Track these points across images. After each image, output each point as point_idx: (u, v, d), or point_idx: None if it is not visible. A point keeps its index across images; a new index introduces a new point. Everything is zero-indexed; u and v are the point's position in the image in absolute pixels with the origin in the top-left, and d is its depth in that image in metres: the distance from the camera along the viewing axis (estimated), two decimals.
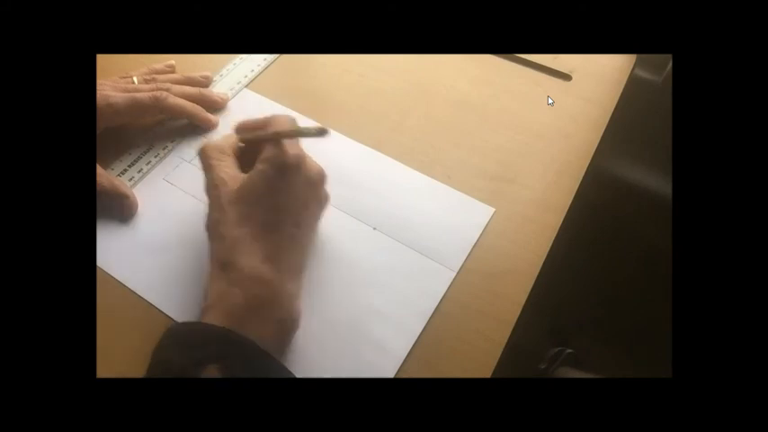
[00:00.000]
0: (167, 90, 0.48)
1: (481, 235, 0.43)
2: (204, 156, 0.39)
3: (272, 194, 0.36)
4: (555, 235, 0.43)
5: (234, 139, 0.41)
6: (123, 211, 0.44)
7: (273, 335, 0.35)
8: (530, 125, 0.51)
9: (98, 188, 0.42)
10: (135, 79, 0.49)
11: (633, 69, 0.56)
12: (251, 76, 0.54)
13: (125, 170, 0.47)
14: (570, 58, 0.56)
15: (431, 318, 0.39)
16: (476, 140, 0.50)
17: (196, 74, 0.52)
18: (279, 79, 0.55)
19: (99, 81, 0.47)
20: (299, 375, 0.35)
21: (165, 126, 0.50)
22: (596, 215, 0.64)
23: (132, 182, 0.46)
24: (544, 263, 0.42)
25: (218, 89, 0.53)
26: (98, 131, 0.46)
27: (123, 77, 0.49)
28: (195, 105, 0.49)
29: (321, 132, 0.35)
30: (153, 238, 0.43)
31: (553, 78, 0.55)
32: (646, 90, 0.61)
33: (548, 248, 0.43)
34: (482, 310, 0.40)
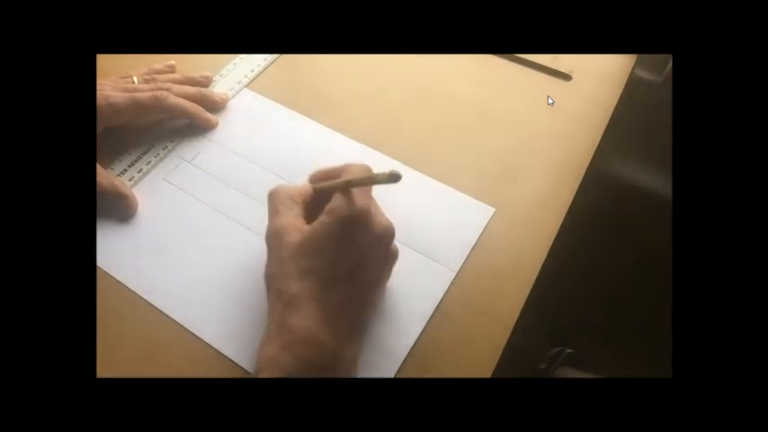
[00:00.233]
0: (167, 90, 0.48)
1: (481, 235, 0.43)
2: (273, 200, 0.37)
3: (333, 249, 0.34)
4: (555, 235, 0.43)
5: (307, 188, 0.39)
6: (123, 210, 0.44)
7: None
8: (530, 125, 0.51)
9: (98, 188, 0.42)
10: (135, 79, 0.49)
11: (633, 69, 0.56)
12: (251, 76, 0.54)
13: (125, 170, 0.47)
14: (570, 58, 0.56)
15: (431, 318, 0.39)
16: (476, 140, 0.50)
17: (196, 74, 0.52)
18: (279, 79, 0.55)
19: (99, 81, 0.47)
20: None
21: (165, 126, 0.50)
22: (596, 215, 0.65)
23: (132, 182, 0.46)
24: (544, 263, 0.42)
25: (218, 89, 0.53)
26: (98, 131, 0.46)
27: (123, 77, 0.49)
28: (195, 105, 0.49)
29: (394, 177, 0.32)
30: (153, 238, 0.43)
31: (553, 78, 0.55)
32: (646, 90, 0.61)
33: (548, 248, 0.43)
34: (482, 310, 0.40)
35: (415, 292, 0.40)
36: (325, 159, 0.40)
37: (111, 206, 0.43)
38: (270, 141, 0.49)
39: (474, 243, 0.43)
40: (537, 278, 0.41)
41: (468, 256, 0.42)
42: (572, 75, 0.55)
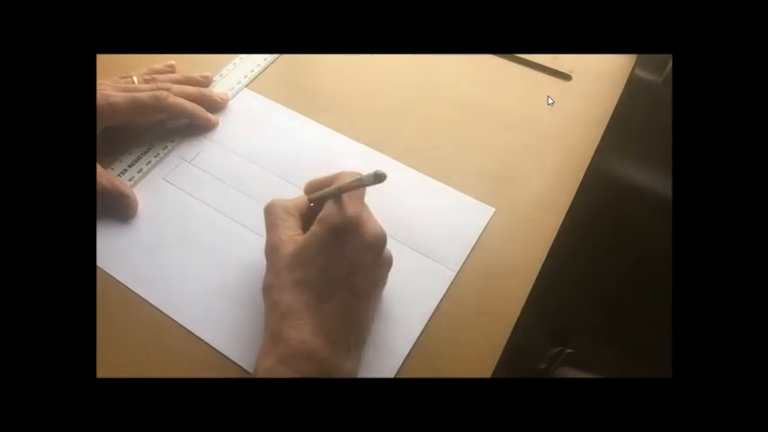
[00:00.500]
0: (167, 90, 0.48)
1: (481, 235, 0.43)
2: (269, 214, 0.38)
3: (325, 258, 0.34)
4: (555, 235, 0.43)
5: (303, 199, 0.39)
6: (123, 210, 0.44)
7: None
8: (530, 125, 0.51)
9: (98, 188, 0.42)
10: (135, 79, 0.49)
11: (633, 69, 0.56)
12: (251, 76, 0.54)
13: (125, 170, 0.47)
14: (570, 58, 0.56)
15: (431, 318, 0.39)
16: (476, 140, 0.50)
17: (196, 74, 0.52)
18: (279, 79, 0.55)
19: (99, 81, 0.47)
20: None
21: (165, 126, 0.50)
22: (596, 215, 0.64)
23: (132, 182, 0.46)
24: (544, 263, 0.42)
25: (218, 89, 0.53)
26: (98, 131, 0.46)
27: (123, 77, 0.49)
28: (195, 105, 0.49)
29: (379, 177, 0.32)
30: (153, 238, 0.43)
31: (553, 78, 0.55)
32: (646, 90, 0.61)
33: (548, 248, 0.43)
34: (482, 310, 0.40)
35: (415, 292, 0.40)
36: (325, 159, 0.40)
37: (112, 206, 0.43)
38: (270, 141, 0.49)
39: (474, 243, 0.43)
40: (537, 278, 0.41)
41: (468, 256, 0.42)
42: (572, 75, 0.55)
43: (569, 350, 0.76)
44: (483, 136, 0.50)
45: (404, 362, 0.37)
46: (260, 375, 0.33)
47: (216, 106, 0.51)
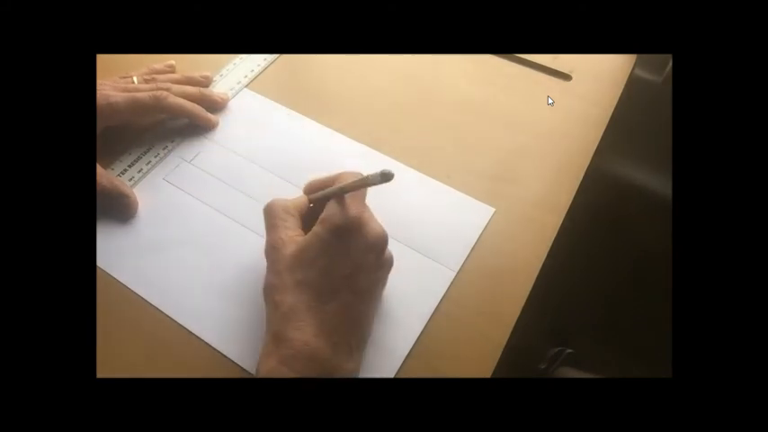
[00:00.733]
0: (167, 90, 0.48)
1: (481, 235, 0.43)
2: (268, 215, 0.37)
3: (326, 259, 0.34)
4: (555, 235, 0.43)
5: (303, 199, 0.39)
6: (123, 210, 0.44)
7: None
8: (530, 125, 0.51)
9: (98, 188, 0.42)
10: (135, 79, 0.49)
11: (633, 69, 0.56)
12: (251, 76, 0.54)
13: (125, 170, 0.47)
14: (570, 58, 0.56)
15: (431, 318, 0.39)
16: (476, 140, 0.50)
17: (196, 74, 0.52)
18: (279, 79, 0.55)
19: (99, 81, 0.47)
20: None
21: (165, 126, 0.50)
22: (596, 215, 0.64)
23: (132, 182, 0.46)
24: (544, 263, 0.42)
25: (218, 89, 0.53)
26: (98, 131, 0.46)
27: (123, 77, 0.49)
28: (195, 105, 0.49)
29: (386, 177, 0.31)
30: (153, 238, 0.43)
31: (553, 78, 0.55)
32: (646, 90, 0.61)
33: (548, 248, 0.43)
34: (482, 310, 0.40)
35: (415, 292, 0.40)
36: (324, 159, 0.40)
37: (112, 206, 0.43)
38: (270, 141, 0.49)
39: (474, 243, 0.43)
40: (537, 278, 0.41)
41: (468, 256, 0.42)
42: (572, 75, 0.55)
43: (569, 350, 0.76)
44: (483, 136, 0.50)
45: (404, 362, 0.37)
46: (262, 376, 0.33)
47: (216, 106, 0.51)
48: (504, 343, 0.38)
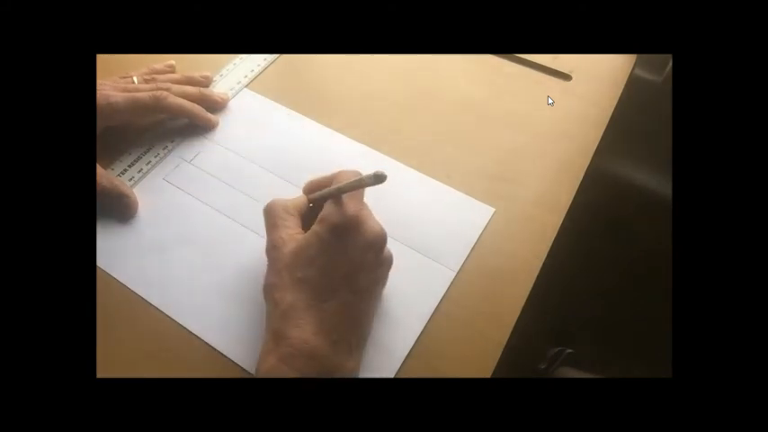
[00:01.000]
0: (167, 90, 0.48)
1: (481, 235, 0.43)
2: (269, 214, 0.38)
3: (325, 257, 0.34)
4: (555, 235, 0.43)
5: (303, 199, 0.39)
6: (123, 210, 0.44)
7: None
8: (530, 125, 0.51)
9: (98, 188, 0.42)
10: (135, 79, 0.49)
11: (633, 69, 0.56)
12: (251, 76, 0.54)
13: (125, 170, 0.47)
14: (570, 58, 0.56)
15: (431, 318, 0.39)
16: (476, 140, 0.50)
17: (196, 74, 0.52)
18: (279, 79, 0.55)
19: (99, 81, 0.47)
20: None
21: (165, 126, 0.50)
22: (596, 215, 0.64)
23: (132, 182, 0.46)
24: (544, 263, 0.42)
25: (218, 89, 0.53)
26: (98, 131, 0.46)
27: (123, 77, 0.49)
28: (195, 105, 0.49)
29: (379, 178, 0.32)
30: (153, 238, 0.43)
31: (553, 78, 0.55)
32: (646, 90, 0.61)
33: (548, 248, 0.43)
34: (482, 310, 0.40)
35: (414, 291, 0.40)
36: (324, 159, 0.40)
37: (112, 206, 0.43)
38: (270, 141, 0.49)
39: (474, 243, 0.43)
40: (537, 278, 0.41)
41: (468, 256, 0.42)
42: (572, 75, 0.55)
43: (569, 350, 0.76)
44: (483, 136, 0.50)
45: (404, 362, 0.37)
46: (262, 374, 0.33)
47: (216, 106, 0.51)
48: (504, 343, 0.38)
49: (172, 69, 0.53)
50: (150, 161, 0.47)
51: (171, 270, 0.41)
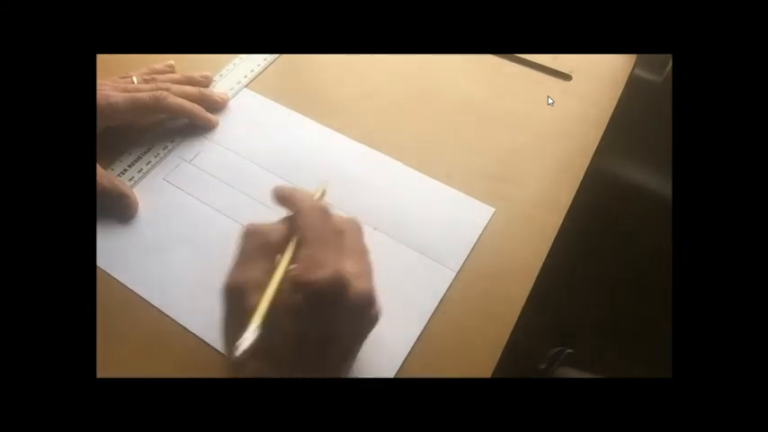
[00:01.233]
0: (167, 90, 0.48)
1: (481, 235, 0.43)
2: (246, 242, 0.32)
3: (296, 324, 0.29)
4: (555, 235, 0.43)
5: (284, 233, 0.33)
6: (124, 210, 0.44)
7: None
8: (530, 125, 0.51)
9: (99, 188, 0.42)
10: (135, 79, 0.49)
11: (633, 69, 0.56)
12: (251, 76, 0.54)
13: (125, 170, 0.47)
14: (570, 58, 0.56)
15: (431, 318, 0.39)
16: (476, 140, 0.50)
17: (196, 74, 0.52)
18: (279, 79, 0.55)
19: (99, 81, 0.47)
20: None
21: (165, 126, 0.50)
22: (596, 215, 0.64)
23: (132, 182, 0.46)
24: (544, 263, 0.42)
25: (218, 89, 0.53)
26: (98, 131, 0.46)
27: (123, 77, 0.49)
28: (195, 105, 0.49)
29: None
30: (153, 238, 0.43)
31: (553, 78, 0.55)
32: (646, 90, 0.61)
33: (548, 248, 0.43)
34: (482, 310, 0.40)
35: (415, 291, 0.40)
36: (324, 160, 0.40)
37: (112, 206, 0.43)
38: (270, 141, 0.49)
39: (474, 243, 0.43)
40: (537, 278, 0.41)
41: (468, 256, 0.42)
42: (572, 75, 0.55)
43: (569, 350, 0.76)
44: (483, 136, 0.50)
45: (404, 362, 0.37)
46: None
47: (216, 106, 0.51)
48: (504, 343, 0.38)
49: (172, 69, 0.53)
50: (150, 161, 0.47)
51: (171, 270, 0.41)
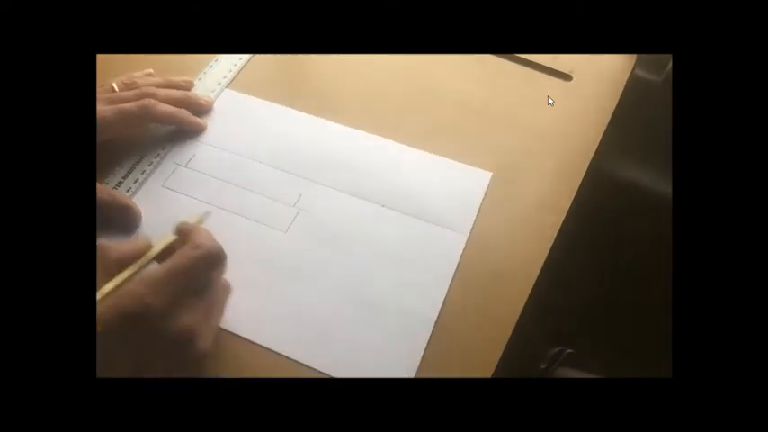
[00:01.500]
0: (153, 95, 0.46)
1: (484, 199, 0.45)
2: (99, 257, 0.33)
3: (110, 350, 0.30)
4: (555, 235, 0.43)
5: (136, 250, 0.34)
6: (128, 222, 0.43)
7: None
8: (530, 125, 0.51)
9: (99, 203, 0.41)
10: (115, 86, 0.47)
11: (633, 69, 0.56)
12: (230, 76, 0.53)
13: (120, 182, 0.45)
14: (570, 58, 0.56)
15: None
16: (476, 140, 0.49)
17: (178, 78, 0.51)
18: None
19: None
20: (334, 355, 0.36)
21: (153, 134, 0.48)
22: (596, 215, 0.64)
23: (130, 193, 0.45)
24: (544, 263, 0.42)
25: (199, 92, 0.52)
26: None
27: (101, 86, 0.47)
28: (183, 110, 0.48)
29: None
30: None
31: (553, 78, 0.55)
32: (646, 90, 0.61)
33: (548, 248, 0.43)
34: (482, 310, 0.40)
35: (430, 259, 0.42)
36: (318, 146, 0.41)
37: (114, 219, 0.42)
38: (263, 136, 0.49)
39: (479, 206, 0.44)
40: (537, 278, 0.41)
41: (468, 256, 0.42)
42: (572, 75, 0.55)
43: (569, 350, 0.76)
44: (483, 136, 0.50)
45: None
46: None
47: (201, 109, 0.50)
48: (505, 343, 0.38)
49: (151, 76, 0.51)
50: (145, 170, 0.46)
51: None
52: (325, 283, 0.40)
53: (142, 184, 0.46)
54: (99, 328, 0.29)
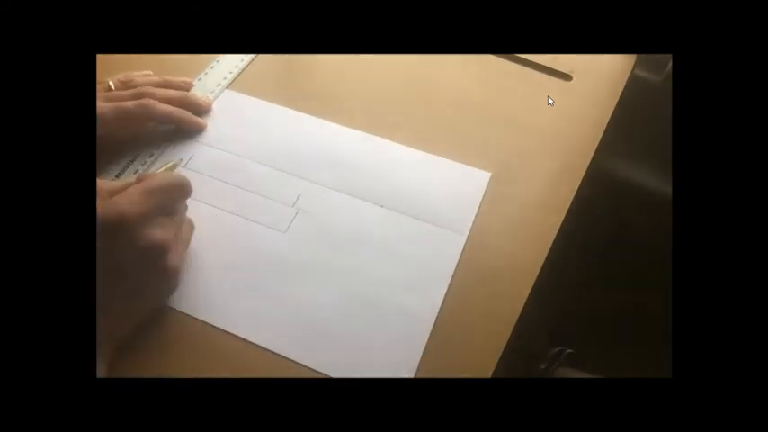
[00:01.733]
0: (151, 95, 0.46)
1: (482, 199, 0.45)
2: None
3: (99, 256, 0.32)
4: (555, 235, 0.43)
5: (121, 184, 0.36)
6: None
7: None
8: (529, 125, 0.51)
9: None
10: (111, 84, 0.47)
11: (633, 69, 0.56)
12: (230, 77, 0.53)
13: (114, 180, 0.45)
14: (570, 58, 0.56)
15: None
16: (475, 141, 0.49)
17: (177, 79, 0.51)
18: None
19: None
20: (333, 356, 0.36)
21: (148, 133, 0.48)
22: (596, 215, 0.64)
23: None
24: (544, 263, 0.42)
25: (199, 93, 0.51)
26: None
27: (98, 84, 0.47)
28: (182, 110, 0.48)
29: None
30: None
31: (553, 78, 0.55)
32: (646, 90, 0.61)
33: (548, 248, 0.43)
34: (482, 310, 0.40)
35: (430, 260, 0.42)
36: (317, 147, 0.41)
37: None
38: (262, 136, 0.49)
39: (478, 206, 0.44)
40: (537, 277, 0.41)
41: (468, 256, 0.42)
42: (572, 75, 0.55)
43: (569, 350, 0.76)
44: (482, 136, 0.50)
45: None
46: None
47: (200, 109, 0.50)
48: (505, 343, 0.38)
49: (149, 77, 0.51)
50: (138, 170, 0.46)
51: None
52: (324, 284, 0.40)
53: None
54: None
